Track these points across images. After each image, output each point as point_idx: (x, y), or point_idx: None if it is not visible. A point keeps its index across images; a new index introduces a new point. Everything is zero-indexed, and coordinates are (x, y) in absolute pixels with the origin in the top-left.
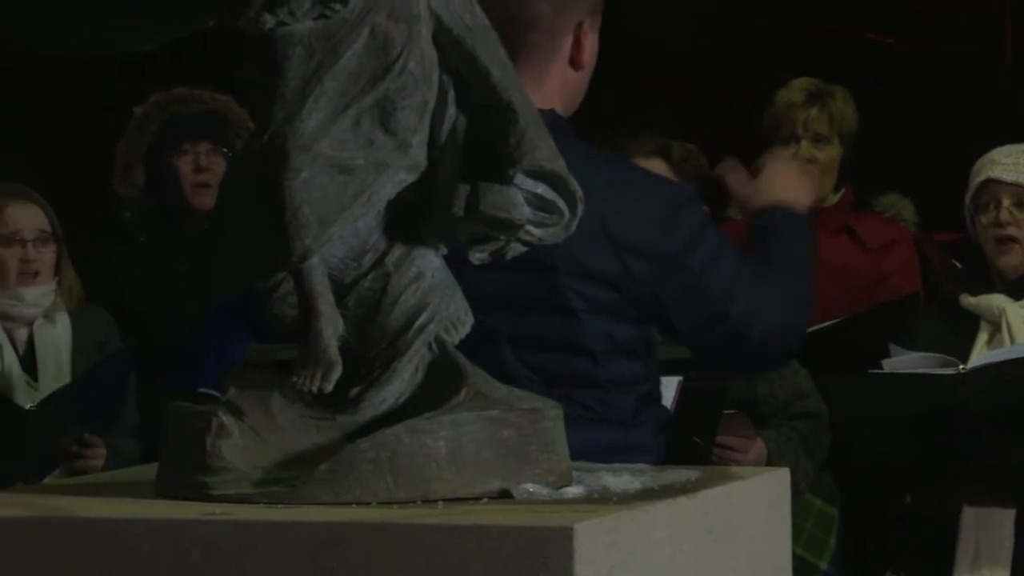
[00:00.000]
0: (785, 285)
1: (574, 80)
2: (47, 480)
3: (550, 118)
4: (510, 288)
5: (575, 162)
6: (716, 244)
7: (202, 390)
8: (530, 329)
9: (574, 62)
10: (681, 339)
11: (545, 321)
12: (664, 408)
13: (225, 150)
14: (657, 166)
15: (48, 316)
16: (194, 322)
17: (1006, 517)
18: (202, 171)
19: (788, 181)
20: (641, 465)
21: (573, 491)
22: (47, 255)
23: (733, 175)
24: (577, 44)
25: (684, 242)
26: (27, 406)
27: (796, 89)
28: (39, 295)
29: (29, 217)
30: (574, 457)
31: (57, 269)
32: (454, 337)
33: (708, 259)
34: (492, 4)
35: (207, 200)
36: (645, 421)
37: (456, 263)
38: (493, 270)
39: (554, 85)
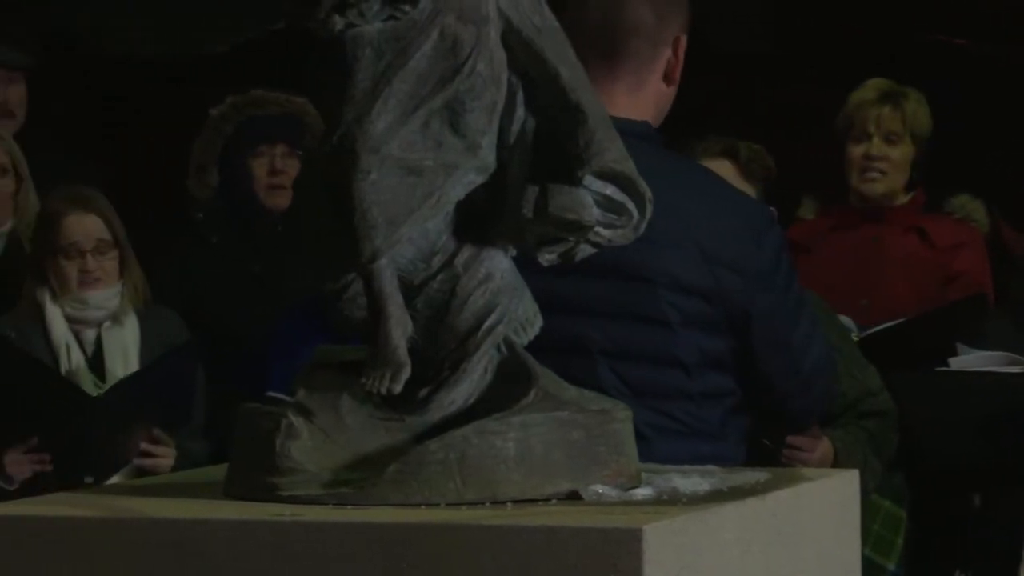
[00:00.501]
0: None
1: (666, 95)
2: (117, 477)
3: (643, 128)
4: (605, 298)
5: (665, 174)
6: (790, 267)
7: (270, 394)
8: (624, 340)
9: (669, 77)
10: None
11: (639, 332)
12: (748, 418)
13: (300, 152)
14: (724, 167)
15: (116, 318)
16: (264, 324)
17: None
18: (277, 173)
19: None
20: (710, 467)
21: (642, 492)
22: (107, 263)
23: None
24: (674, 58)
25: (770, 261)
26: (93, 393)
27: (869, 88)
28: (103, 298)
29: (86, 227)
30: None
31: (121, 273)
32: (523, 338)
33: (787, 280)
34: (592, 9)
35: (281, 201)
36: (731, 432)
37: (550, 272)
38: (588, 279)
39: (649, 96)
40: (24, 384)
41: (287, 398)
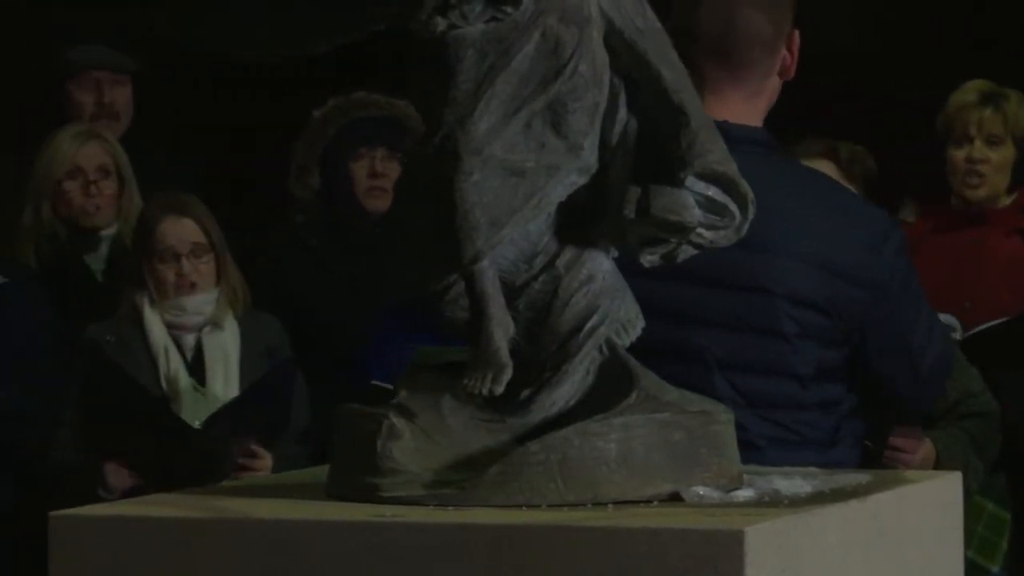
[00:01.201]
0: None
1: (777, 89)
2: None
3: (762, 136)
4: (720, 308)
5: (784, 182)
6: (910, 267)
7: (375, 383)
8: (739, 351)
9: (783, 72)
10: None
11: (755, 343)
12: (861, 422)
13: (401, 155)
14: (825, 167)
15: (216, 322)
16: (363, 326)
17: None
18: (377, 176)
19: None
20: (812, 469)
21: (743, 494)
22: (203, 267)
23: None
24: (789, 55)
25: (889, 268)
26: (195, 424)
27: (970, 91)
28: (200, 303)
29: (181, 231)
30: None
31: (218, 278)
32: (624, 340)
33: (905, 282)
34: (707, 18)
35: (381, 204)
36: (844, 437)
37: (664, 278)
38: (701, 287)
39: (763, 100)
40: (127, 406)
41: (389, 386)
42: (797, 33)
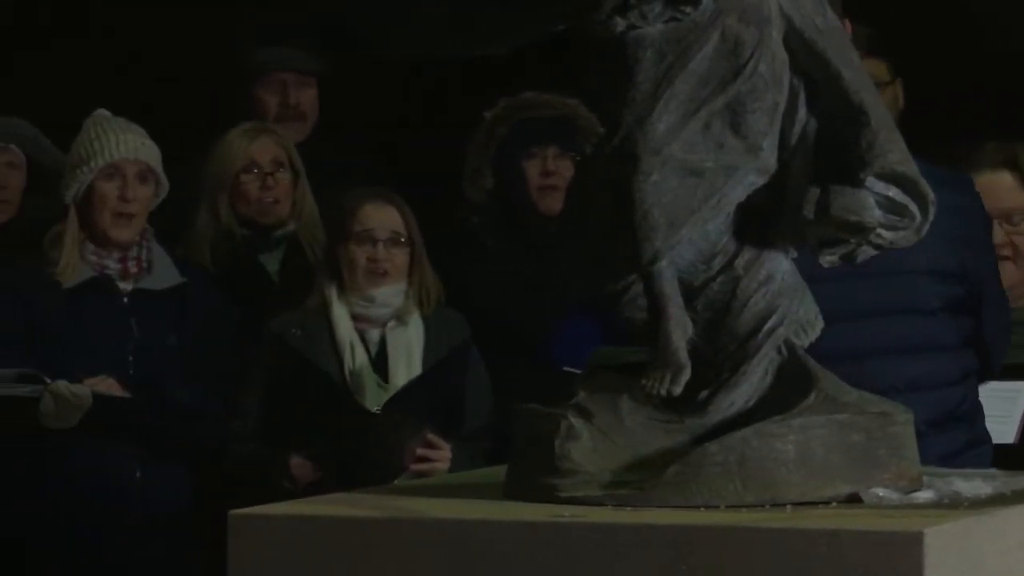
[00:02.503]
0: None
1: None
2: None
3: None
4: (865, 296)
5: None
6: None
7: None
8: (893, 332)
9: None
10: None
11: (907, 323)
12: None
13: (573, 154)
14: (1003, 179)
15: (400, 318)
16: (540, 325)
17: None
18: (549, 175)
19: None
20: (992, 470)
21: (923, 496)
22: (398, 257)
23: None
24: None
25: (987, 236)
26: (374, 409)
27: None
28: (389, 295)
29: (383, 217)
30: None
31: (410, 273)
32: (804, 340)
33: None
34: None
35: (553, 203)
36: (979, 412)
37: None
38: (843, 282)
39: None
40: (308, 393)
41: (577, 371)
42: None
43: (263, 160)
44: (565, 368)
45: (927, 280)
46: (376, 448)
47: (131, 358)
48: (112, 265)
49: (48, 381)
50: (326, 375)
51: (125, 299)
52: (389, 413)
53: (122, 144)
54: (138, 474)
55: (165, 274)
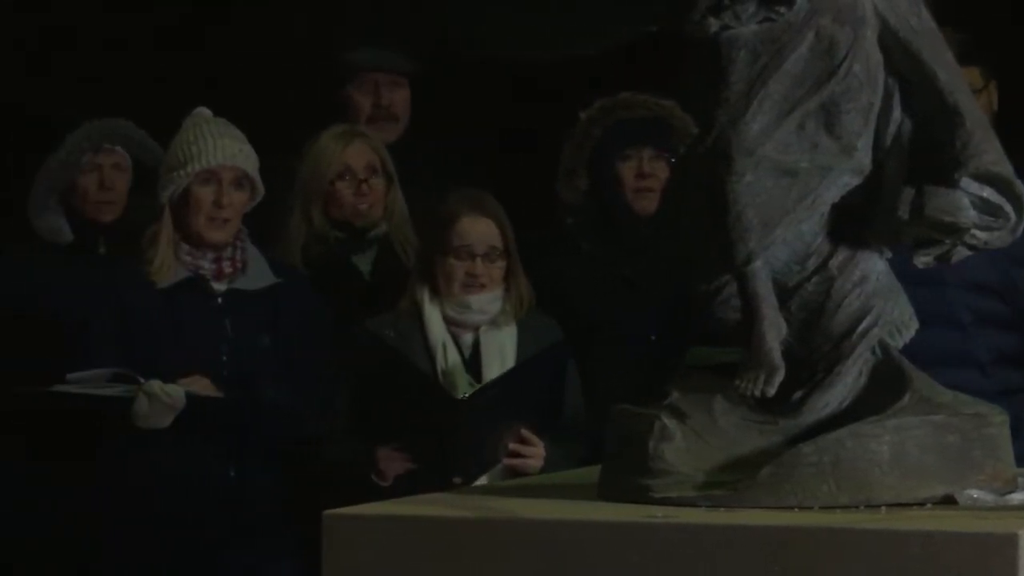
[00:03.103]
0: None
1: None
2: (485, 477)
3: None
4: None
5: None
6: None
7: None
8: (918, 342)
9: None
10: None
11: (933, 334)
12: None
13: (668, 155)
14: None
15: (494, 321)
16: (637, 327)
17: None
18: (645, 177)
19: None
20: None
21: (1018, 497)
22: (495, 270)
23: None
24: None
25: None
26: (461, 395)
27: None
28: (485, 302)
29: (481, 231)
30: None
31: (506, 281)
32: (898, 341)
33: None
34: None
35: (649, 205)
36: None
37: None
38: None
39: None
40: (397, 385)
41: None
42: None
43: (357, 166)
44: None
45: (960, 292)
46: (467, 439)
47: (225, 358)
48: (207, 265)
49: (142, 381)
50: (419, 371)
51: (219, 299)
52: (478, 401)
53: (219, 150)
54: (232, 473)
55: (259, 274)
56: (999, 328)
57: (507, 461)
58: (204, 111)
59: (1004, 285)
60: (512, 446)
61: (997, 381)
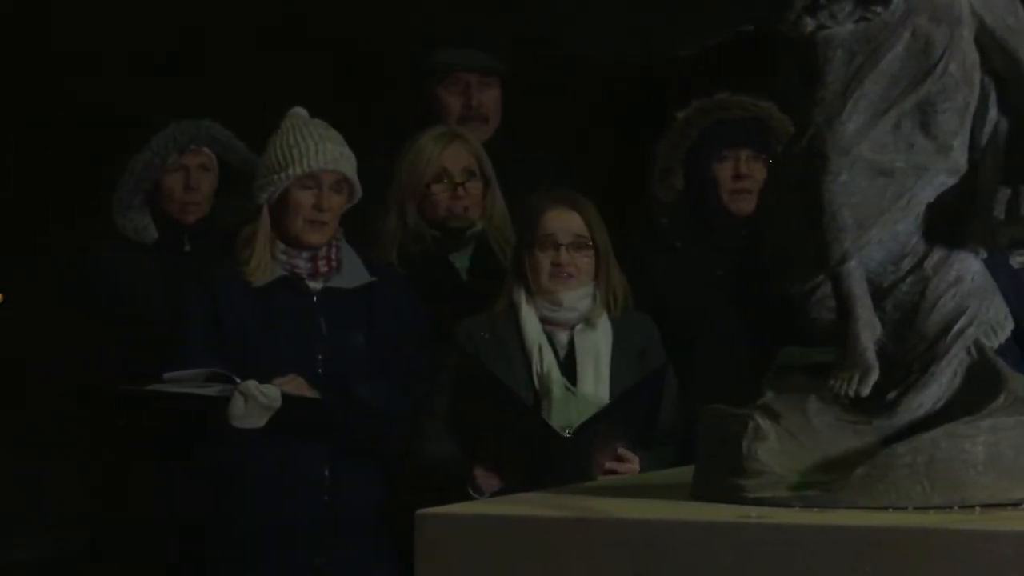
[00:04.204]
0: None
1: None
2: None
3: None
4: None
5: None
6: None
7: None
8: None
9: None
10: None
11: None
12: None
13: (766, 156)
14: None
15: (589, 320)
16: (731, 327)
17: None
18: (742, 178)
19: None
20: None
21: None
22: (581, 260)
23: None
24: None
25: None
26: (565, 433)
27: None
28: (575, 299)
29: (565, 222)
30: None
31: (597, 275)
32: (993, 341)
33: None
34: None
35: (746, 206)
36: None
37: None
38: None
39: None
40: (497, 410)
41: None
42: None
43: (454, 169)
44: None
45: None
46: (565, 467)
47: (320, 357)
48: (302, 264)
49: (238, 381)
50: (516, 395)
51: (314, 298)
52: (582, 437)
53: (320, 154)
54: (327, 472)
55: (354, 273)
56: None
57: (602, 479)
58: (301, 111)
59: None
60: (608, 465)
61: None
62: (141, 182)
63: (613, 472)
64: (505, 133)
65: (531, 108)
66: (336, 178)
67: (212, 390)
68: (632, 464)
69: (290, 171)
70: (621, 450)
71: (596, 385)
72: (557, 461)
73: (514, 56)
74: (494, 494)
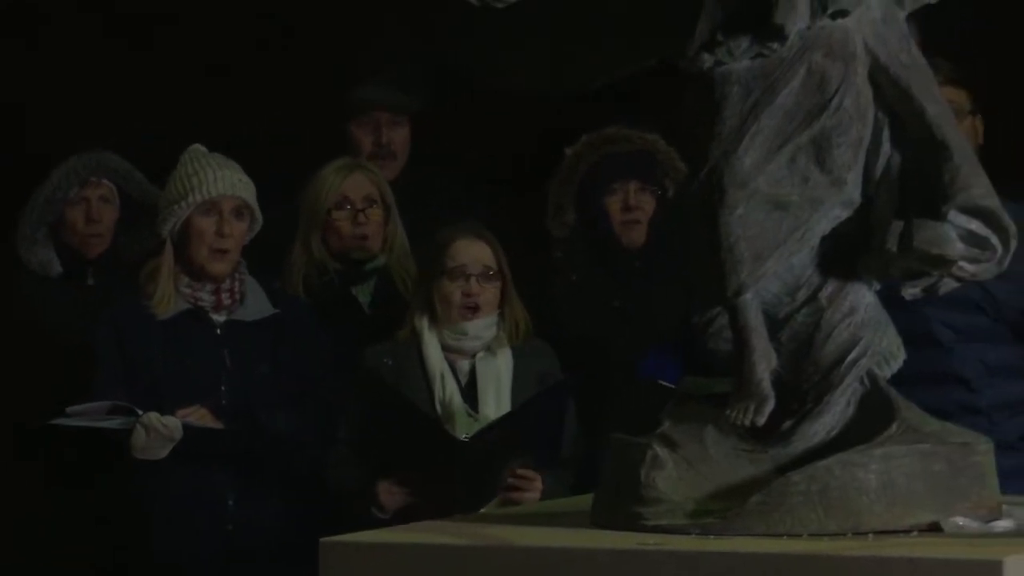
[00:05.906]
0: None
1: None
2: (483, 510)
3: None
4: None
5: None
6: None
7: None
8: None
9: None
10: None
11: (912, 354)
12: None
13: (653, 188)
14: None
15: (491, 349)
16: (628, 357)
17: None
18: (631, 209)
19: None
20: None
21: (1003, 524)
22: (489, 291)
23: None
24: None
25: None
26: (462, 436)
27: None
28: (481, 328)
29: (475, 252)
30: None
31: (501, 305)
32: (886, 371)
33: None
34: None
35: (636, 236)
36: None
37: None
38: None
39: None
40: (396, 421)
41: (671, 385)
42: None
43: (355, 197)
44: (660, 382)
45: (937, 311)
46: (467, 477)
47: (224, 388)
48: (206, 297)
49: (140, 413)
50: (415, 406)
51: (218, 330)
52: (479, 441)
53: (219, 180)
54: (230, 502)
55: (258, 305)
56: (983, 342)
57: (504, 495)
58: (199, 147)
59: (982, 298)
60: (510, 480)
61: (988, 396)
62: (43, 216)
63: (516, 489)
64: (414, 168)
65: (441, 143)
66: (236, 204)
67: (114, 422)
68: (535, 482)
69: (190, 199)
70: (522, 471)
71: (497, 410)
72: (459, 470)
73: (428, 93)
74: (398, 511)
